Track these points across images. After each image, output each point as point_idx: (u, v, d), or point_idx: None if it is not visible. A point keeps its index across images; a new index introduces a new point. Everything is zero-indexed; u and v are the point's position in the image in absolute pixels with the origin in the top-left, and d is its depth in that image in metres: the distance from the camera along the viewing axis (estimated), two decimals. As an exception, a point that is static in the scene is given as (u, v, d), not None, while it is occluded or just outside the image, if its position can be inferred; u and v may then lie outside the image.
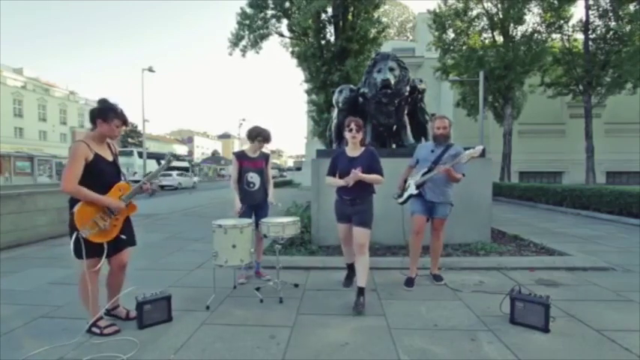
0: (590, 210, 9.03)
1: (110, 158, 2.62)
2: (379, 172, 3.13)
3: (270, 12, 15.86)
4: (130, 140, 48.24)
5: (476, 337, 2.53)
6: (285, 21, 16.04)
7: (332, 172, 3.28)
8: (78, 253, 2.43)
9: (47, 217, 6.18)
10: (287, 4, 15.35)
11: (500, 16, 16.85)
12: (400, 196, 3.69)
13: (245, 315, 2.95)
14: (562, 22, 16.38)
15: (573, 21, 16.54)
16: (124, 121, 2.61)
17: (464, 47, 17.97)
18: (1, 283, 3.76)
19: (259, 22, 15.93)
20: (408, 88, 5.50)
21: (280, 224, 3.37)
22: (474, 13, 17.59)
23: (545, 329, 2.57)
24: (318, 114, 15.70)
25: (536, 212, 10.05)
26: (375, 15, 15.22)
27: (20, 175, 23.80)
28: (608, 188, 8.89)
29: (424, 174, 3.50)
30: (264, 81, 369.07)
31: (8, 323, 2.77)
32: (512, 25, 16.82)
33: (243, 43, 16.40)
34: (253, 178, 3.80)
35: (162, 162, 2.95)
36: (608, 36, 15.80)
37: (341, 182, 3.12)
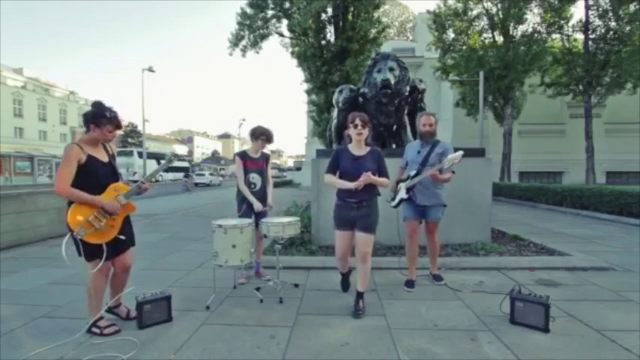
0: (590, 210, 9.02)
1: (105, 159, 2.61)
2: (387, 175, 2.99)
3: (270, 12, 15.85)
4: (129, 140, 48.31)
5: (476, 337, 2.53)
6: (285, 21, 16.03)
7: (333, 170, 3.03)
8: (79, 253, 2.44)
9: (47, 217, 6.18)
10: (287, 4, 15.33)
11: (501, 15, 16.86)
12: (393, 199, 3.66)
13: (245, 315, 2.95)
14: (562, 22, 16.39)
15: (573, 21, 16.60)
16: (117, 126, 2.58)
17: (464, 47, 17.98)
18: (1, 283, 3.75)
19: (259, 22, 15.91)
20: (408, 88, 5.50)
21: (280, 224, 3.36)
22: (474, 13, 17.60)
23: (545, 329, 2.57)
24: (318, 114, 15.70)
25: (536, 212, 10.04)
26: (375, 15, 15.20)
27: (20, 175, 23.77)
28: (608, 188, 8.89)
29: (413, 177, 3.46)
30: (264, 81, 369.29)
31: (8, 323, 2.77)
32: (512, 24, 16.83)
33: (244, 43, 16.39)
34: (255, 178, 3.81)
35: (163, 161, 2.94)
36: (608, 36, 15.81)
37: (350, 185, 2.85)
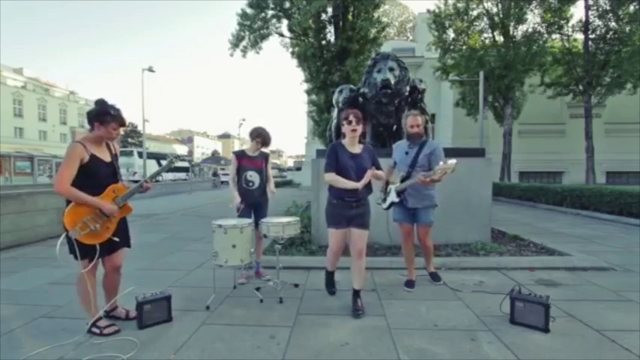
0: (590, 210, 9.02)
1: (108, 159, 2.60)
2: (381, 169, 3.14)
3: (270, 12, 15.86)
4: (130, 140, 48.31)
5: (476, 337, 2.53)
6: (285, 21, 16.04)
7: (333, 168, 2.95)
8: (72, 251, 2.44)
9: (47, 217, 6.18)
10: (287, 4, 15.35)
11: (501, 15, 16.86)
12: (384, 200, 3.62)
13: (245, 315, 2.95)
14: (562, 22, 16.38)
15: (573, 21, 16.58)
16: (122, 123, 2.57)
17: (464, 47, 17.97)
18: (1, 283, 3.75)
19: (259, 23, 15.92)
20: (408, 88, 5.51)
21: (280, 224, 3.36)
22: (475, 13, 17.60)
23: (545, 329, 2.57)
24: (318, 114, 15.70)
25: (536, 212, 10.04)
26: (375, 15, 15.20)
27: (20, 175, 23.75)
28: (608, 188, 8.88)
29: (403, 180, 3.42)
30: (265, 81, 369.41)
31: (8, 323, 2.77)
32: (512, 24, 16.83)
33: (244, 43, 16.40)
34: (252, 176, 3.81)
35: (164, 163, 2.94)
36: (608, 36, 15.80)
37: (357, 185, 2.84)
